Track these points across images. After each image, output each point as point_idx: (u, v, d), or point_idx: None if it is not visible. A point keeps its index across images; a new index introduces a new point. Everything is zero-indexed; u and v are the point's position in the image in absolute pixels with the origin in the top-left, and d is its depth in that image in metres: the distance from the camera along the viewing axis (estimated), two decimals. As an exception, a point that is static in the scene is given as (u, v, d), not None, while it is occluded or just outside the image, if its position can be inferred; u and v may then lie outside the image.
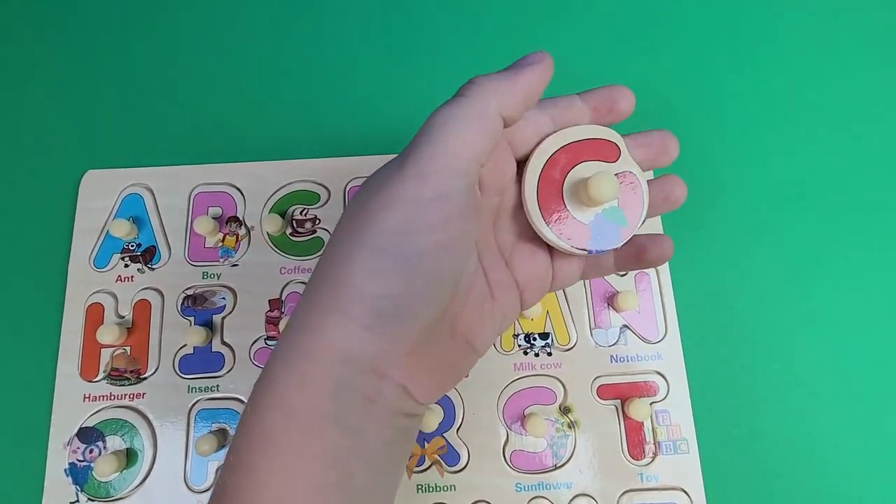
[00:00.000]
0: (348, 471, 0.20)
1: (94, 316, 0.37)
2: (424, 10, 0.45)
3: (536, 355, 0.37)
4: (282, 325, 0.36)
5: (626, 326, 0.37)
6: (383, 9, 0.45)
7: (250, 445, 0.20)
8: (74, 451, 0.35)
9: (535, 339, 0.37)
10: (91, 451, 0.35)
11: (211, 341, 0.37)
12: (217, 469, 0.35)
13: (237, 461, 0.20)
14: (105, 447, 0.35)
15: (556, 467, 0.35)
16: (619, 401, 0.36)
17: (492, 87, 0.21)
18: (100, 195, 0.40)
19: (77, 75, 0.44)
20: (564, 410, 0.36)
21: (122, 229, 0.37)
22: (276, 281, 0.38)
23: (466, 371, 0.25)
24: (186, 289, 0.38)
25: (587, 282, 0.38)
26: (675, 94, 0.42)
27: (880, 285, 0.38)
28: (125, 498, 0.34)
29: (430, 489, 0.34)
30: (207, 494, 0.34)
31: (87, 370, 0.36)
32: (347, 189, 0.40)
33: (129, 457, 0.35)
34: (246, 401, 0.27)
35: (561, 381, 0.36)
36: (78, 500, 0.34)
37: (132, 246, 0.38)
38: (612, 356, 0.37)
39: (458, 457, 0.35)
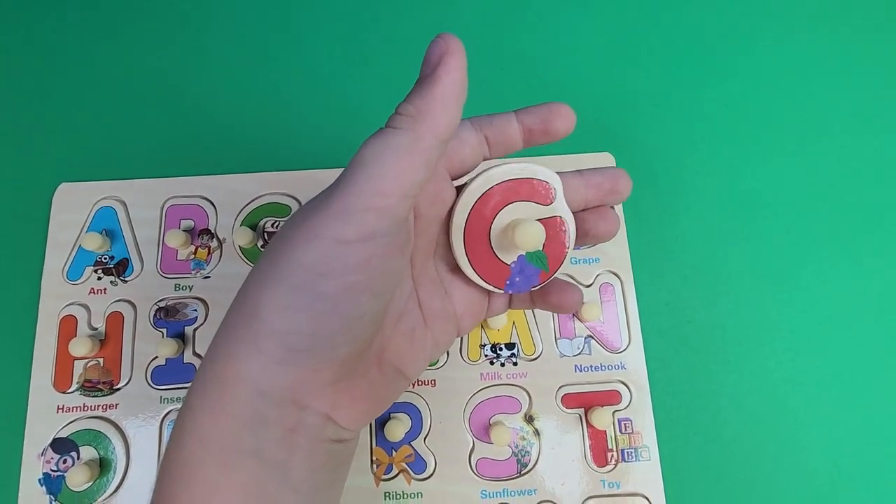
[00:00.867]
0: (274, 499, 0.20)
1: (68, 328, 0.38)
2: (398, 23, 0.46)
3: (502, 365, 0.37)
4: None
5: (590, 336, 0.38)
6: (356, 21, 0.46)
7: (171, 475, 0.20)
8: (48, 462, 0.35)
9: (501, 350, 0.38)
10: (65, 462, 0.35)
11: (183, 353, 0.37)
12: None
13: (160, 490, 0.20)
14: (79, 457, 0.36)
15: (520, 474, 0.36)
16: (583, 409, 0.37)
17: (418, 111, 0.19)
18: (73, 208, 0.40)
19: (49, 88, 0.44)
20: (529, 419, 0.36)
21: (95, 242, 0.38)
22: (248, 292, 0.38)
23: (396, 397, 0.24)
24: (159, 301, 0.38)
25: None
26: (641, 105, 0.43)
27: (840, 295, 0.39)
28: (99, 507, 0.35)
29: (398, 497, 0.35)
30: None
31: (61, 382, 0.37)
32: (319, 201, 0.40)
33: (103, 466, 0.35)
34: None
35: (526, 391, 0.37)
36: (52, 510, 0.35)
37: (105, 259, 0.39)
38: (576, 366, 0.37)
39: (424, 465, 0.36)
